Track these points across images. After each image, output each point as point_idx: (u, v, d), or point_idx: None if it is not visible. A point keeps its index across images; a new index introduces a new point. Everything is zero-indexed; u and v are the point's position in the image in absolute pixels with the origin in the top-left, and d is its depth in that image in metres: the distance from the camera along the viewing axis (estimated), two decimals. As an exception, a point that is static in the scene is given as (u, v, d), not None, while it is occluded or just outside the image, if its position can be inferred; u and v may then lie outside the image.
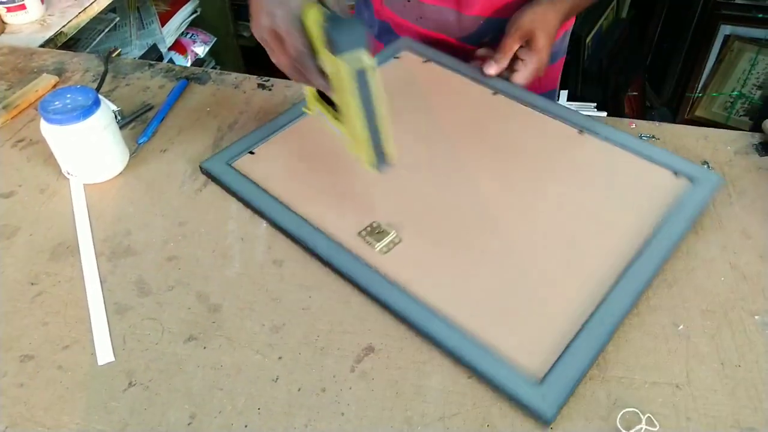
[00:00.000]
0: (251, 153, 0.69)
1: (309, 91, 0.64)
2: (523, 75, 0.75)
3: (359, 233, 0.59)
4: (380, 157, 0.53)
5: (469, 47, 0.86)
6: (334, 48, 0.48)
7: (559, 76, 0.98)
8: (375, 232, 0.59)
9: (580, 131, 0.70)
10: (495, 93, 0.76)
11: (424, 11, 0.86)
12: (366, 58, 0.49)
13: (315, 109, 0.65)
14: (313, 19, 0.50)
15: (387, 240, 0.58)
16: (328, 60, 0.51)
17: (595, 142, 0.69)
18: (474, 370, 0.48)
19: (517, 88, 0.77)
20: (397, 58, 0.83)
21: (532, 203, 0.62)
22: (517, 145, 0.69)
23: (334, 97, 0.55)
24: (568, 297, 0.53)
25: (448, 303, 0.53)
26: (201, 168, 0.67)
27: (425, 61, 0.82)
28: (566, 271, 0.55)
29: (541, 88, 0.93)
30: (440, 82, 0.79)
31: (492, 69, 0.75)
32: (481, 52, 0.79)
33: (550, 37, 0.75)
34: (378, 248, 0.57)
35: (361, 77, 0.48)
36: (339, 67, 0.49)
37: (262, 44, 0.57)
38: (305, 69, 0.54)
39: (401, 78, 0.79)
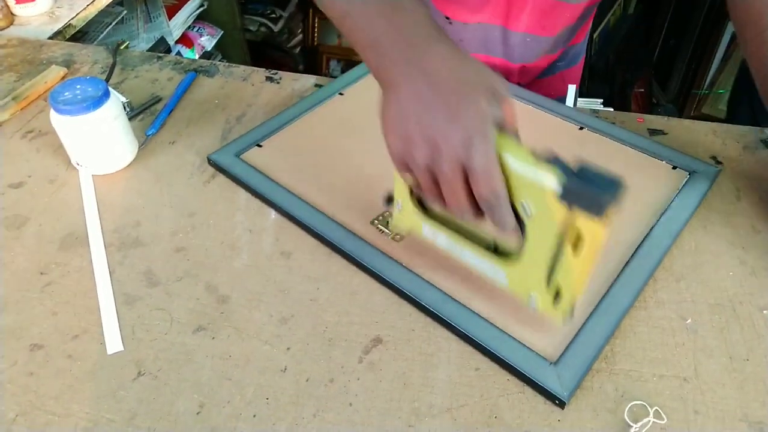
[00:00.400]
0: (259, 146, 0.69)
1: (405, 201, 0.53)
2: None
3: (372, 222, 0.59)
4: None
5: (512, 65, 0.86)
6: (597, 210, 0.39)
7: (580, 76, 0.98)
8: (388, 220, 0.59)
9: (581, 128, 0.71)
10: None
11: (466, 33, 0.83)
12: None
13: (410, 223, 0.54)
14: (512, 152, 0.42)
15: None
16: (553, 211, 0.41)
17: (595, 138, 0.70)
18: (489, 352, 0.49)
19: (520, 88, 0.78)
20: None
21: None
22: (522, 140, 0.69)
23: (523, 243, 0.46)
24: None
25: (462, 288, 0.54)
26: (209, 160, 0.67)
27: None
28: None
29: (564, 90, 0.92)
30: None
31: None
32: None
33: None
34: (392, 236, 0.58)
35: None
36: (579, 225, 0.41)
37: (415, 171, 0.44)
38: (496, 214, 0.43)
39: None
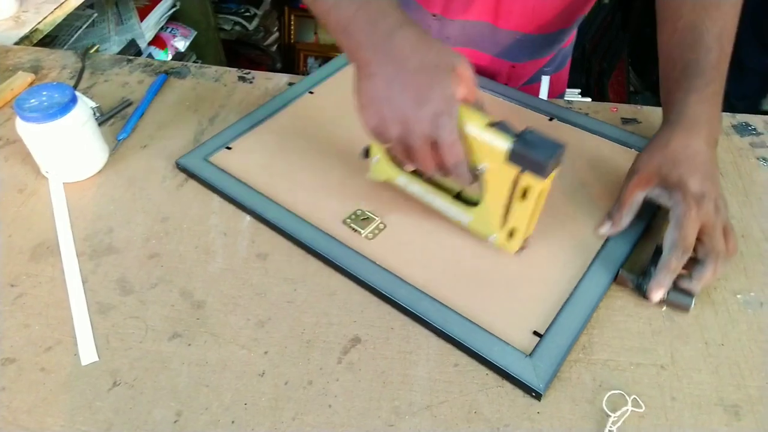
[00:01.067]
0: (228, 148, 0.68)
1: (381, 156, 0.59)
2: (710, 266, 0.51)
3: (344, 221, 0.59)
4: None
5: (501, 64, 0.85)
6: (540, 171, 0.48)
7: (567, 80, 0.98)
8: (360, 218, 0.59)
9: (550, 119, 0.72)
10: None
11: (454, 30, 0.81)
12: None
13: (385, 175, 0.61)
14: (472, 122, 0.49)
15: (372, 226, 0.58)
16: (504, 169, 0.50)
17: (565, 128, 0.71)
18: (464, 347, 0.49)
19: (489, 80, 0.78)
20: None
21: None
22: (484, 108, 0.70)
23: (482, 194, 0.54)
24: (549, 275, 0.54)
25: (435, 284, 0.54)
26: (178, 165, 0.66)
27: None
28: (545, 252, 0.56)
29: (552, 93, 0.92)
30: None
31: (603, 229, 0.57)
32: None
33: (709, 177, 0.52)
34: (364, 234, 0.58)
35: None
36: (526, 182, 0.50)
37: (388, 143, 0.51)
38: (459, 175, 0.50)
39: None
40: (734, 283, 0.54)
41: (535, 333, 0.50)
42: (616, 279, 0.54)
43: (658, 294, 0.51)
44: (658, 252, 0.52)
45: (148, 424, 0.46)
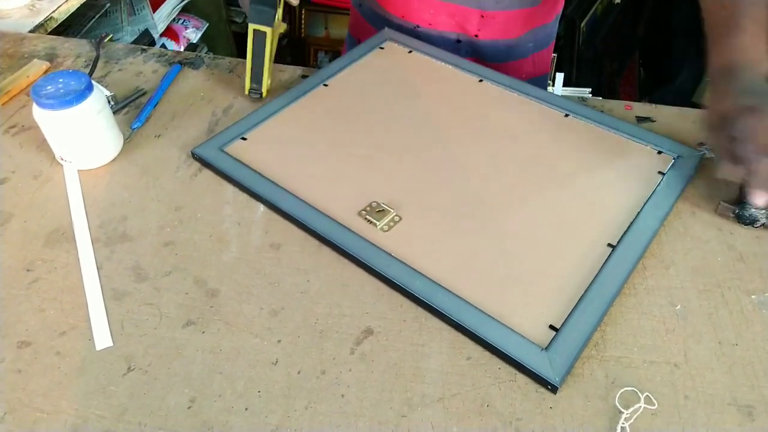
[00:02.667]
0: (243, 139, 0.68)
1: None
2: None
3: (359, 213, 0.59)
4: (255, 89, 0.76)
5: (470, 10, 0.83)
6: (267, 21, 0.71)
7: (552, 61, 0.97)
8: (375, 211, 0.59)
9: (566, 115, 0.72)
10: (480, 80, 0.76)
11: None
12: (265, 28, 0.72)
13: None
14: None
15: (387, 218, 0.58)
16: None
17: (580, 125, 0.71)
18: (479, 339, 0.49)
19: (503, 75, 0.77)
20: (382, 48, 0.83)
21: (522, 183, 0.63)
22: (506, 128, 0.70)
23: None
24: (565, 270, 0.54)
25: (450, 276, 0.54)
26: (193, 154, 0.67)
27: (409, 52, 0.82)
28: (560, 246, 0.56)
29: (535, 73, 0.93)
30: (426, 71, 0.79)
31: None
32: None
33: None
34: (380, 226, 0.58)
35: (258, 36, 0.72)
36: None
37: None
38: None
39: (387, 67, 0.80)
40: (749, 284, 0.54)
41: (551, 327, 0.50)
42: (716, 211, 0.59)
43: (762, 198, 0.57)
44: (746, 184, 0.57)
45: (162, 410, 0.46)
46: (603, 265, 0.54)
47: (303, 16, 2.37)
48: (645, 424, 0.45)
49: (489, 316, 0.50)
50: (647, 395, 0.46)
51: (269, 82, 0.76)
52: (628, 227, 0.58)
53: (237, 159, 0.65)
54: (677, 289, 0.54)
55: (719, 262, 0.56)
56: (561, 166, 0.65)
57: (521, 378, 0.48)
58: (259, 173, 0.63)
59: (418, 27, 0.86)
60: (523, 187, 0.62)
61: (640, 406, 0.45)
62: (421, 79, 0.77)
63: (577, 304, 0.51)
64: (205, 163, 0.66)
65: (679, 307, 0.52)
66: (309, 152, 0.67)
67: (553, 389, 0.46)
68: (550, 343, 0.49)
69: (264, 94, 0.76)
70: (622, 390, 0.47)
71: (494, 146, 0.67)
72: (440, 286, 0.53)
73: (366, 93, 0.75)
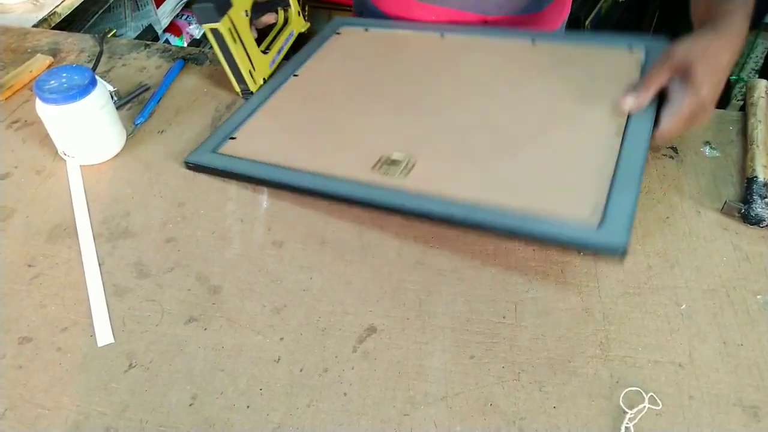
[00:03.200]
0: (233, 138, 0.67)
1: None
2: (671, 118, 0.58)
3: (373, 168, 0.59)
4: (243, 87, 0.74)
5: (470, 15, 0.82)
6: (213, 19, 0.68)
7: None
8: (388, 162, 0.59)
9: (533, 41, 0.75)
10: (442, 35, 0.79)
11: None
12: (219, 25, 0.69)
13: None
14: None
15: (402, 165, 0.59)
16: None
17: (549, 47, 0.74)
18: (537, 237, 0.51)
19: (463, 28, 0.78)
20: (338, 33, 0.85)
21: (515, 106, 0.66)
22: (484, 63, 0.73)
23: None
24: (586, 157, 0.57)
25: (483, 194, 0.54)
26: (187, 164, 0.65)
27: (366, 30, 0.84)
28: (573, 142, 0.59)
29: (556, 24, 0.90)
30: (389, 42, 0.81)
31: (628, 102, 0.61)
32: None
33: (716, 72, 0.58)
34: (397, 174, 0.58)
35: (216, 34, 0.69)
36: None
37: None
38: None
39: (350, 47, 0.82)
40: (754, 284, 0.54)
41: (595, 207, 0.51)
42: (722, 210, 0.59)
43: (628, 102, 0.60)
44: (751, 181, 0.59)
45: (163, 407, 0.46)
46: (623, 136, 0.57)
47: (306, 12, 2.37)
48: (649, 424, 0.45)
49: (534, 216, 0.51)
50: (652, 395, 0.46)
51: (259, 72, 0.74)
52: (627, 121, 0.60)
53: (233, 156, 0.65)
54: (682, 289, 0.53)
55: (724, 261, 0.56)
56: (548, 84, 0.68)
57: (525, 377, 0.47)
58: (261, 162, 0.63)
59: None
60: (522, 106, 0.65)
61: (645, 406, 0.45)
62: (386, 49, 0.80)
63: (613, 177, 0.53)
64: (202, 169, 0.65)
65: (683, 306, 0.52)
66: (304, 133, 0.67)
67: (623, 254, 0.48)
68: (602, 218, 0.50)
69: (258, 88, 0.75)
70: (627, 390, 0.46)
71: (479, 81, 0.70)
72: (477, 205, 0.53)
73: (340, 71, 0.77)
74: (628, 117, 0.60)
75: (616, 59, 0.70)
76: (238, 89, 0.75)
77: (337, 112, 0.69)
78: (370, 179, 0.58)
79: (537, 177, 0.56)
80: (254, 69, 0.74)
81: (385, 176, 0.58)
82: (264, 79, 0.76)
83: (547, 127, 0.61)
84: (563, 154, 0.58)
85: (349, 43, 0.83)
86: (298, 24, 0.77)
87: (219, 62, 0.72)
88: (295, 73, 0.77)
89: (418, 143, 0.62)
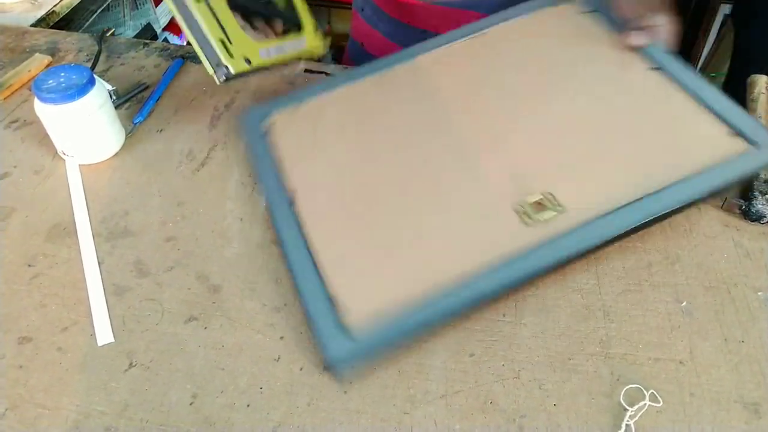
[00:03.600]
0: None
1: None
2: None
3: (521, 224, 0.52)
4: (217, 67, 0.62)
5: (469, 13, 0.81)
6: None
7: None
8: (530, 208, 0.52)
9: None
10: (415, 59, 0.71)
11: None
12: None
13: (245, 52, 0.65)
14: None
15: (548, 202, 0.52)
16: None
17: (502, 29, 0.71)
18: (725, 187, 0.54)
19: (444, 37, 0.73)
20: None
21: (568, 93, 0.63)
22: (499, 75, 0.67)
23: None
24: (673, 108, 0.59)
25: (638, 186, 0.53)
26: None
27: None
28: (648, 102, 0.60)
29: None
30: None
31: (638, 39, 0.64)
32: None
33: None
34: (554, 214, 0.52)
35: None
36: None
37: None
38: None
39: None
40: (755, 280, 0.54)
41: (730, 135, 0.55)
42: (723, 206, 0.59)
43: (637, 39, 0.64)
44: (755, 179, 0.59)
45: (164, 406, 0.46)
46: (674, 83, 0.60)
47: (328, 43, 2.36)
48: (650, 421, 0.45)
49: (705, 174, 0.53)
50: (652, 392, 0.46)
51: (239, 48, 0.61)
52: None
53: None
54: (683, 286, 0.53)
55: (725, 258, 0.55)
56: (553, 66, 0.66)
57: (525, 375, 0.47)
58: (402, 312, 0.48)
59: (425, 32, 0.85)
60: (570, 91, 0.63)
61: (645, 404, 0.45)
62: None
63: (709, 107, 0.57)
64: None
65: (684, 303, 0.52)
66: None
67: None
68: (748, 139, 0.54)
69: (239, 69, 0.61)
70: (627, 387, 0.46)
71: (508, 89, 0.64)
72: (648, 199, 0.52)
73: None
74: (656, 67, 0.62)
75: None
76: (211, 70, 0.60)
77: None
78: (530, 238, 0.50)
79: (661, 147, 0.56)
80: (230, 42, 0.61)
81: (545, 224, 0.50)
82: (249, 60, 0.62)
83: (614, 101, 0.61)
84: (654, 117, 0.59)
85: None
86: (311, 39, 0.68)
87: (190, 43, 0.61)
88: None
89: (530, 173, 0.55)
